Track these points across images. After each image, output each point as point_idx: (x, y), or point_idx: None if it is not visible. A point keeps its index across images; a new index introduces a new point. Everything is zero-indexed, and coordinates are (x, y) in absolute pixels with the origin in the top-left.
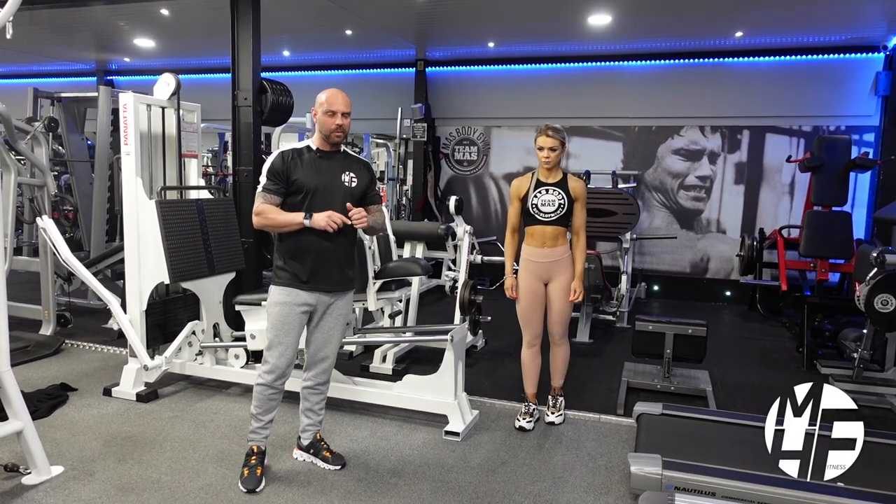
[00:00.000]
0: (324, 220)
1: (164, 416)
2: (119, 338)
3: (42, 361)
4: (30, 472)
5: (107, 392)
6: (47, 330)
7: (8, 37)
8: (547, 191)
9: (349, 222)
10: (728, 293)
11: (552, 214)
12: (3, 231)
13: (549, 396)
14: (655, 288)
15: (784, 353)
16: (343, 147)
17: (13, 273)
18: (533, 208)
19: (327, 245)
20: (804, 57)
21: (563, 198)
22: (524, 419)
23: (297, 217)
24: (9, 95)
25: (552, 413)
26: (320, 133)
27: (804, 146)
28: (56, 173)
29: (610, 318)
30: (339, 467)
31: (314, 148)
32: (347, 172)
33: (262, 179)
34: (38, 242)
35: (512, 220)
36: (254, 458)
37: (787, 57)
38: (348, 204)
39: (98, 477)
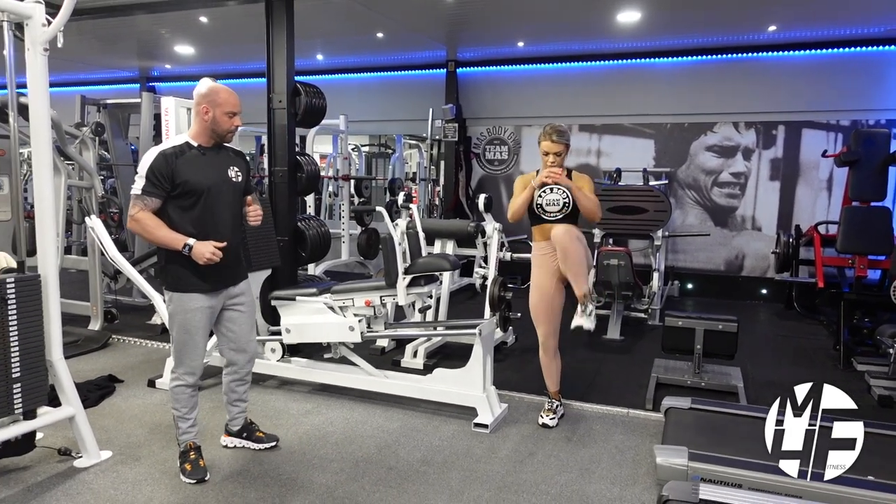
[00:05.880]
0: (204, 257)
1: (204, 406)
2: (162, 333)
3: (91, 355)
4: (81, 456)
5: (151, 384)
6: (95, 325)
7: (59, 46)
8: (552, 190)
9: (219, 254)
10: (764, 291)
11: (558, 213)
12: (55, 230)
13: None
14: (689, 286)
15: (820, 352)
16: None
17: (63, 271)
18: (538, 208)
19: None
20: (841, 50)
21: (567, 196)
22: (547, 416)
23: (178, 243)
24: (59, 103)
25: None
26: (209, 130)
27: (842, 141)
28: (102, 178)
29: (641, 315)
30: (273, 444)
31: (195, 144)
32: (232, 167)
33: (140, 181)
34: (87, 242)
35: (514, 205)
36: (192, 453)
37: (823, 50)
38: (248, 198)
39: (143, 461)
